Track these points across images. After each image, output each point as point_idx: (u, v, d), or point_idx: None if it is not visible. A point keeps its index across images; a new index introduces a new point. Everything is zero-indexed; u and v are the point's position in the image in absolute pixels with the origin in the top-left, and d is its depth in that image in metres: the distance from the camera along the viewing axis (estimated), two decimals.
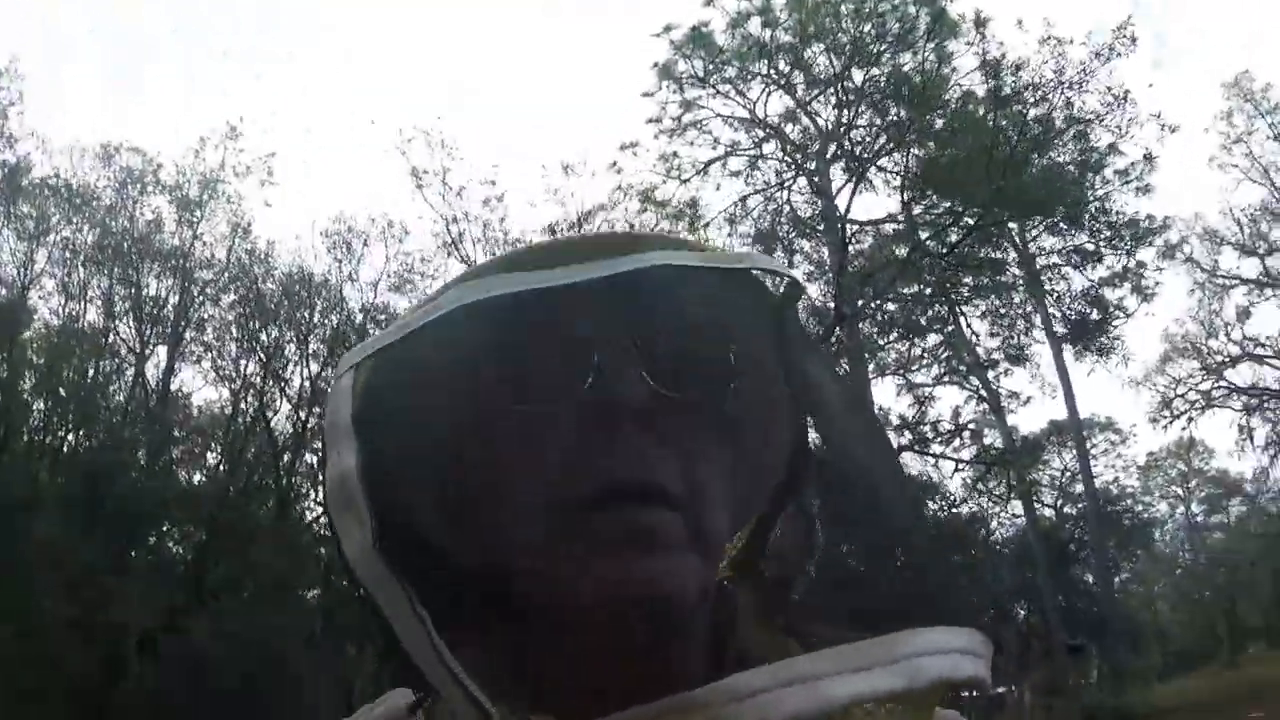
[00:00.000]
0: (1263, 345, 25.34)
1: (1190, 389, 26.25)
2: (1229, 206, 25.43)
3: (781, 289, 0.61)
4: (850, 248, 17.74)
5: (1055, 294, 21.93)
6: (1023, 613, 24.83)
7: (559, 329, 0.53)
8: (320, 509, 19.68)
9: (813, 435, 0.61)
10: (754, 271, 0.60)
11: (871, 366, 19.63)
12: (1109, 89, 17.29)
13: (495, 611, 0.56)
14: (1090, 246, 20.88)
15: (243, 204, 19.39)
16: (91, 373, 17.38)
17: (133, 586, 13.24)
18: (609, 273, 0.51)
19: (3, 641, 11.12)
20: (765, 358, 0.59)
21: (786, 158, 19.67)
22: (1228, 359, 25.97)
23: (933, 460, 21.19)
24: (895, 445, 20.17)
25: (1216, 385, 26.18)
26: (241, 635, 12.41)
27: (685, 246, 0.59)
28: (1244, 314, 25.65)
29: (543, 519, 0.51)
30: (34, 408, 17.16)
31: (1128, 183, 20.04)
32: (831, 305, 16.79)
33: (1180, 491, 39.64)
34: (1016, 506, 24.74)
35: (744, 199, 19.19)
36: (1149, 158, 18.99)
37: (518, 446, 0.53)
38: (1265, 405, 25.60)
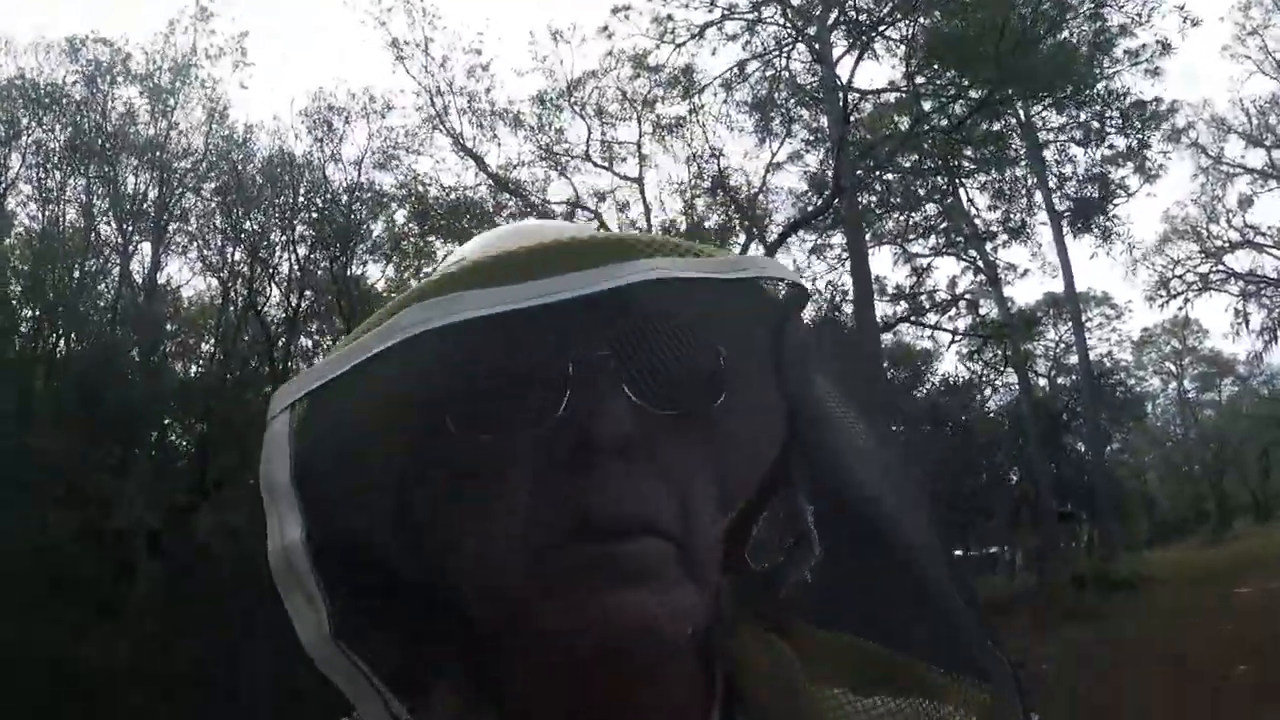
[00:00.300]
0: (1263, 234, 25.61)
1: (1188, 270, 26.48)
2: (1239, 96, 25.35)
3: (784, 294, 0.55)
4: (851, 118, 17.33)
5: (1059, 173, 21.77)
6: (1015, 479, 25.33)
7: (535, 351, 0.48)
8: None
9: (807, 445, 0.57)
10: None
11: (869, 236, 19.44)
12: None
13: (484, 663, 0.53)
14: (1096, 125, 20.62)
15: (218, 88, 18.88)
16: (77, 275, 17.10)
17: (136, 487, 13.23)
18: (592, 290, 0.46)
19: (9, 555, 11.15)
20: (760, 369, 0.55)
21: (786, 23, 18.97)
22: (1227, 244, 26.21)
23: (929, 330, 21.34)
24: (894, 315, 20.28)
25: (1215, 269, 26.43)
26: (246, 525, 12.50)
27: (676, 251, 0.51)
28: (1246, 202, 25.98)
29: (524, 562, 0.48)
30: (21, 315, 16.96)
31: (1137, 64, 19.67)
32: (830, 176, 16.54)
33: (1173, 368, 40.27)
34: (1011, 376, 25.06)
35: (742, 65, 18.62)
36: (1166, 46, 18.50)
37: (492, 487, 0.49)
38: (1262, 291, 25.85)
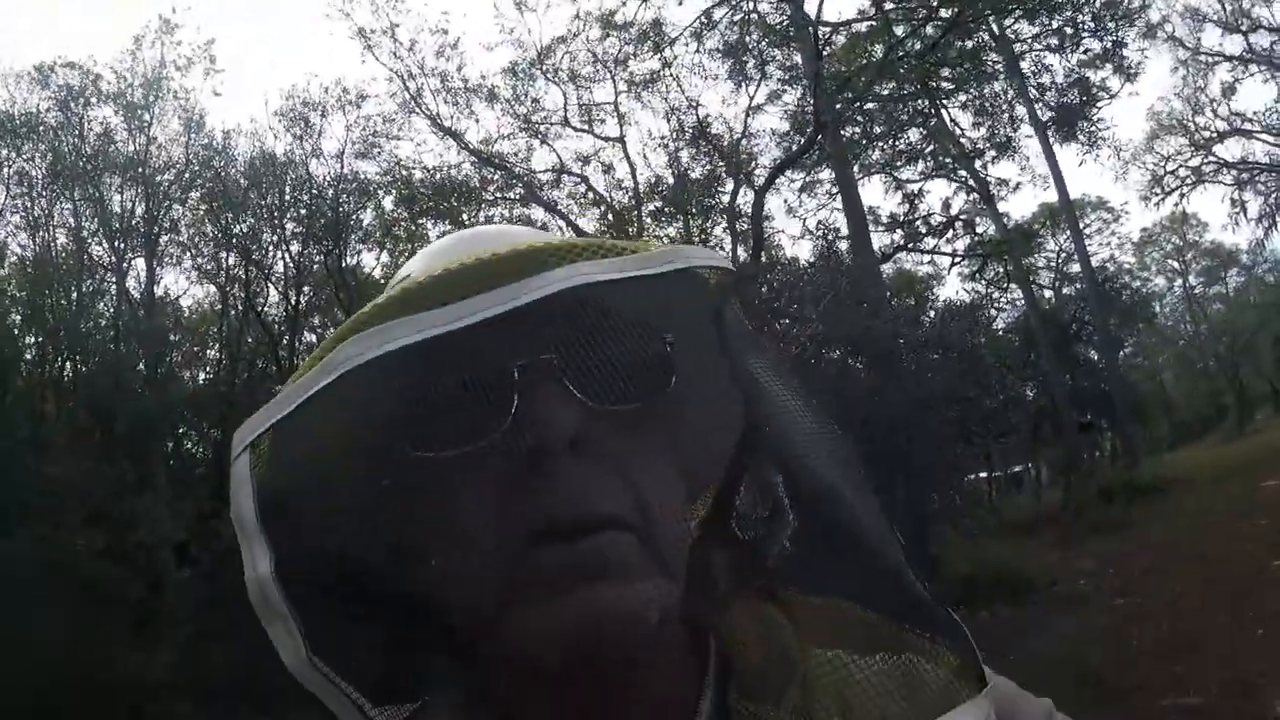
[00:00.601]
0: (1250, 120, 25.17)
1: (1180, 165, 26.20)
2: None
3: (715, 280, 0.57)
4: (824, 52, 17.11)
5: (1038, 83, 21.47)
6: (1030, 394, 25.30)
7: (472, 366, 0.49)
8: None
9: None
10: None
11: (856, 168, 19.30)
12: None
13: (470, 669, 0.55)
14: (1069, 30, 20.27)
15: (191, 98, 18.73)
16: (75, 296, 17.17)
17: (158, 501, 13.35)
18: (508, 306, 0.48)
19: (42, 580, 11.30)
20: (708, 354, 0.57)
21: None
22: (1216, 134, 25.81)
23: (928, 256, 21.25)
24: (891, 244, 20.19)
25: (1206, 161, 26.11)
26: None
27: (599, 254, 0.53)
28: (1229, 90, 25.59)
29: (491, 569, 0.49)
30: (25, 343, 17.04)
31: None
32: (810, 113, 16.38)
33: (1177, 265, 39.97)
34: (1016, 292, 24.93)
35: (708, 12, 18.39)
36: None
37: (451, 499, 0.51)
38: (1256, 178, 25.51)
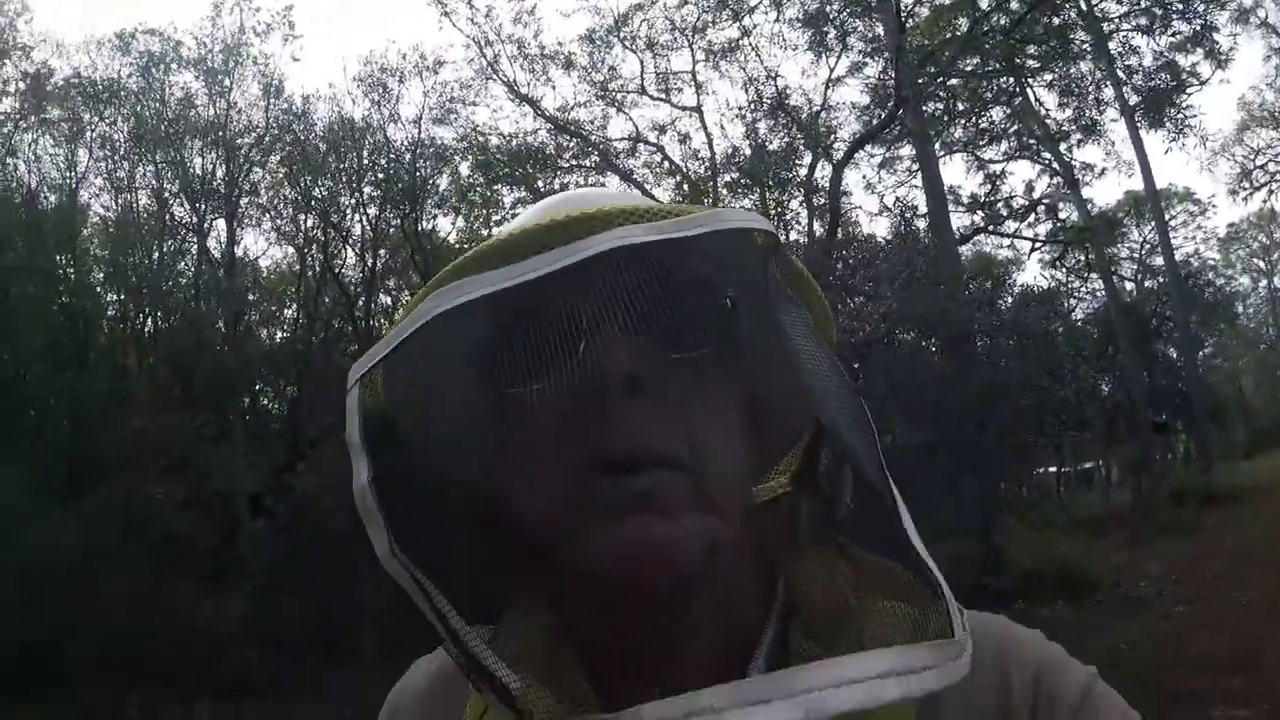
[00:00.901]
0: None
1: (1270, 159, 25.26)
2: None
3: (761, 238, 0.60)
4: (907, 24, 16.77)
5: (1126, 64, 20.79)
6: (1106, 390, 24.65)
7: (539, 317, 0.55)
8: None
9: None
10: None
11: (938, 145, 18.88)
12: None
13: (527, 585, 0.61)
14: (1158, 11, 19.59)
15: (270, 63, 19.05)
16: (156, 256, 17.61)
17: (235, 454, 13.64)
18: (567, 262, 0.54)
19: (120, 529, 11.61)
20: (748, 306, 0.61)
21: None
22: None
23: (1008, 240, 20.75)
24: (970, 226, 19.74)
25: None
26: (343, 479, 12.79)
27: (650, 214, 0.58)
28: None
29: (550, 497, 0.56)
30: (108, 300, 17.50)
31: None
32: (892, 86, 16.07)
33: (1263, 264, 38.68)
34: (1096, 283, 24.27)
35: None
36: None
37: (521, 431, 0.57)
38: None
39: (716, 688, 0.46)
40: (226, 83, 19.02)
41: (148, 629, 10.61)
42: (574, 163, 17.62)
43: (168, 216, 18.45)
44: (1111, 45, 20.63)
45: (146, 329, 17.41)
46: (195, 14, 34.53)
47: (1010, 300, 16.98)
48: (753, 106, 16.70)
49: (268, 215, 18.56)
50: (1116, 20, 20.39)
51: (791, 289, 0.64)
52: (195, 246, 18.32)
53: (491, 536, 0.59)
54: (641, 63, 17.75)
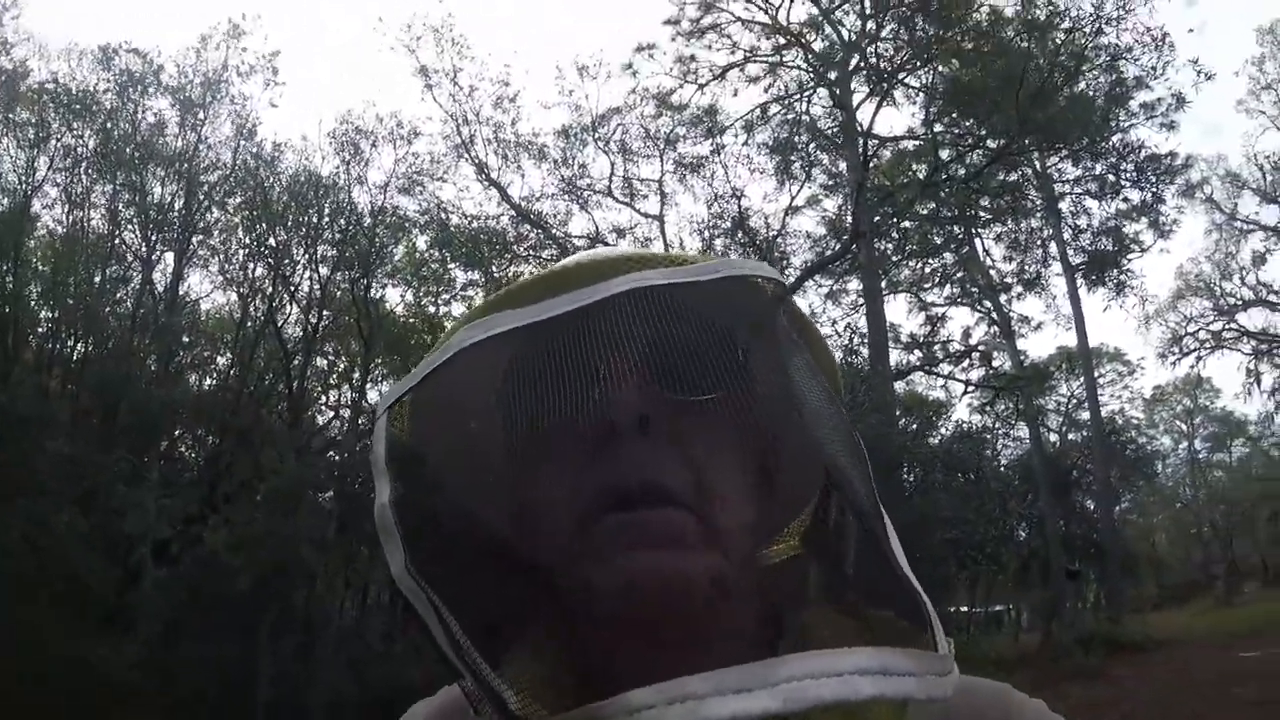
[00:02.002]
0: (1276, 293, 25.43)
1: (1201, 328, 26.34)
2: (1253, 152, 25.33)
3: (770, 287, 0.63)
4: (870, 164, 17.44)
5: (1074, 225, 21.81)
6: (1023, 535, 25.08)
7: (559, 354, 0.57)
8: (331, 412, 19.81)
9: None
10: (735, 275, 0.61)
11: (884, 283, 19.46)
12: (1147, 30, 16.92)
13: (536, 616, 0.61)
14: (1111, 178, 20.68)
15: (247, 105, 19.09)
16: (98, 280, 17.21)
17: (147, 496, 13.25)
18: (588, 301, 0.56)
19: (19, 555, 11.15)
20: (758, 352, 0.62)
21: (808, 67, 19.19)
22: (1240, 302, 26.01)
23: (941, 380, 21.27)
24: (907, 364, 20.23)
25: (1228, 327, 26.27)
26: (255, 540, 12.47)
27: (666, 262, 0.62)
28: (1260, 259, 25.86)
29: (561, 529, 0.57)
30: (41, 317, 17.05)
31: (1152, 117, 19.81)
32: (849, 221, 16.60)
33: (1185, 427, 39.96)
34: (1022, 430, 24.90)
35: (763, 106, 18.81)
36: (1180, 100, 18.65)
37: (537, 464, 0.59)
38: (1274, 351, 25.68)
39: (699, 676, 0.46)
40: (201, 116, 18.99)
41: (30, 667, 10.10)
42: (531, 253, 17.81)
43: (118, 240, 18.12)
44: (1063, 205, 21.66)
45: (76, 353, 16.94)
46: (183, 41, 34.38)
47: (942, 436, 17.33)
48: (713, 222, 17.11)
49: (217, 257, 18.34)
50: (1070, 183, 21.46)
51: (799, 338, 0.65)
52: (140, 276, 17.98)
53: (503, 567, 0.60)
54: (612, 165, 18.12)
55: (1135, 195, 21.12)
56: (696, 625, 0.57)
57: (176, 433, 16.54)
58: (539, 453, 0.59)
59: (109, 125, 17.98)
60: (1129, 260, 22.19)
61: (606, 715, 0.47)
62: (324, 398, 19.71)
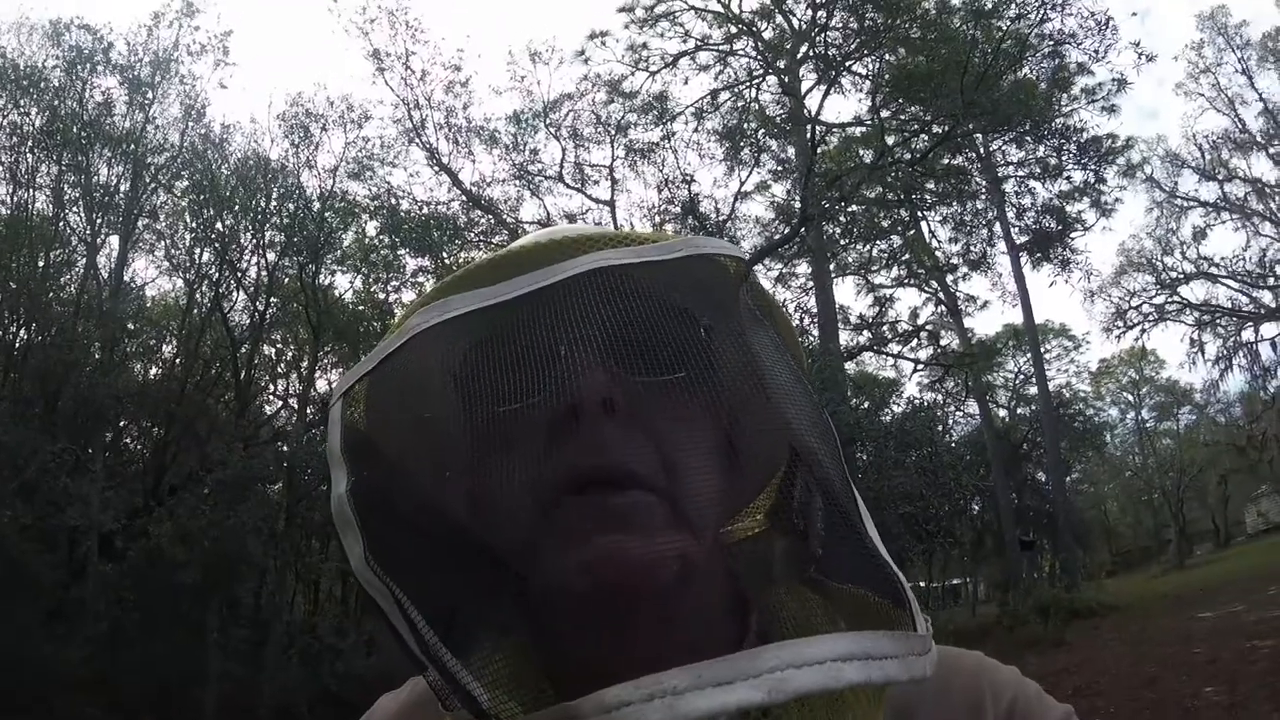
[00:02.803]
0: (1216, 265, 26.01)
1: (1144, 302, 26.86)
2: (1192, 132, 25.98)
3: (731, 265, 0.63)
4: (818, 149, 17.55)
5: (1018, 206, 22.17)
6: (977, 508, 25.58)
7: (519, 337, 0.56)
8: (279, 402, 19.69)
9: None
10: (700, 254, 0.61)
11: (833, 266, 19.69)
12: (1091, 14, 17.10)
13: (501, 604, 0.59)
14: (1054, 160, 21.01)
15: (197, 85, 18.71)
16: (42, 264, 16.91)
17: (91, 487, 13.10)
18: (549, 282, 0.56)
19: None
20: (723, 331, 0.61)
21: (758, 55, 19.24)
22: (1182, 276, 26.55)
23: (891, 359, 21.61)
24: (856, 345, 20.53)
25: (1170, 300, 26.77)
26: (202, 533, 12.40)
27: (626, 241, 0.61)
28: (1200, 235, 26.45)
29: (524, 514, 0.55)
30: None
31: (1094, 101, 20.15)
32: (797, 204, 16.72)
33: (1131, 398, 40.73)
34: (972, 406, 25.35)
35: (714, 94, 18.86)
36: (1122, 83, 18.93)
37: (497, 449, 0.56)
38: (1216, 321, 26.24)
39: (678, 669, 0.45)
40: (150, 96, 18.61)
41: None
42: (482, 239, 17.72)
43: (62, 223, 17.79)
44: (1006, 186, 21.98)
45: (18, 339, 16.66)
46: (133, 18, 33.49)
47: (894, 413, 17.58)
48: (664, 207, 17.17)
49: (164, 242, 18.04)
50: (1014, 165, 21.78)
51: (763, 316, 0.64)
52: (84, 260, 17.71)
53: (466, 555, 0.58)
54: (563, 150, 18.06)
55: (1078, 176, 21.60)
56: (666, 608, 0.56)
57: (121, 423, 16.32)
58: (499, 438, 0.56)
59: (56, 103, 17.57)
60: (1072, 238, 22.69)
61: (583, 714, 0.45)
62: (272, 387, 19.58)
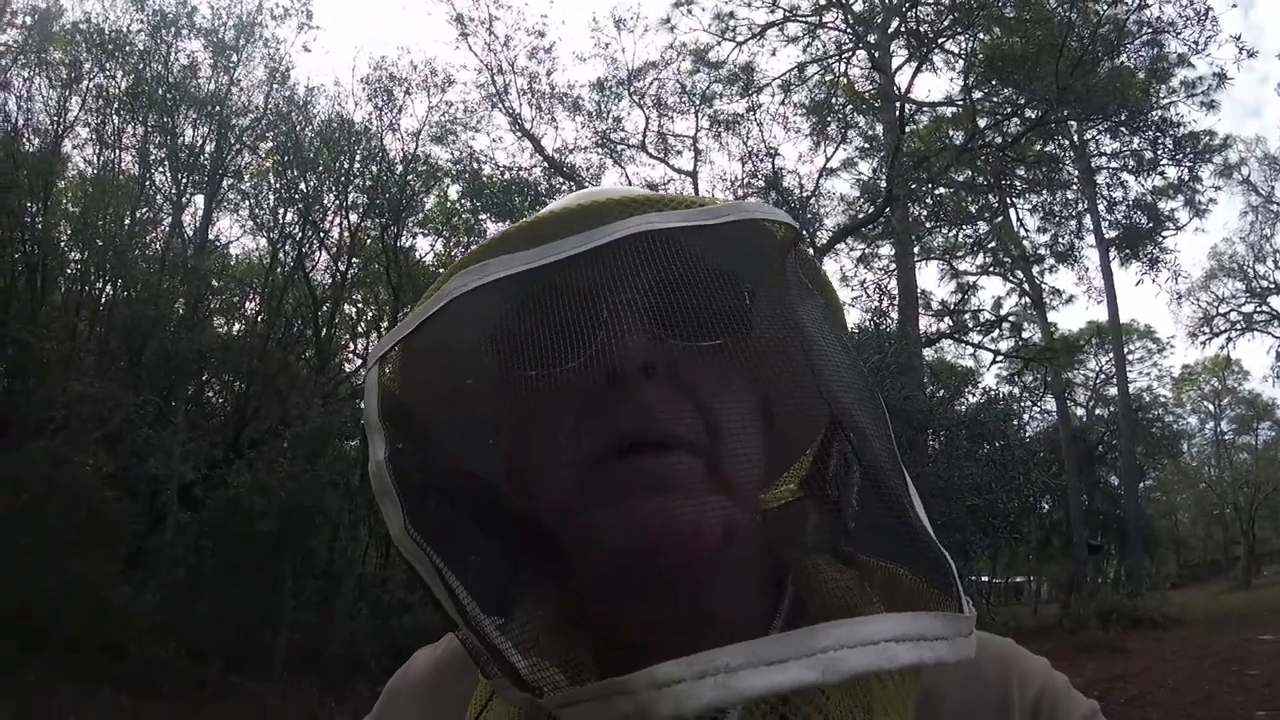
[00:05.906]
0: None
1: (1233, 309, 26.03)
2: None
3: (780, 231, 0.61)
4: (906, 128, 17.17)
5: (1109, 198, 21.51)
6: (1046, 507, 25.04)
7: (560, 300, 0.56)
8: (359, 360, 19.90)
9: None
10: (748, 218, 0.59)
11: (917, 249, 19.29)
12: (1190, 3, 16.50)
13: (541, 570, 0.58)
14: (1149, 154, 20.34)
15: (281, 48, 18.92)
16: (128, 222, 17.21)
17: (172, 439, 13.32)
18: (593, 245, 0.55)
19: (40, 496, 11.24)
20: (768, 297, 0.60)
21: (847, 28, 18.86)
22: (1273, 285, 25.65)
23: (970, 349, 21.15)
24: (936, 331, 20.11)
25: (1259, 309, 25.89)
26: (279, 485, 12.56)
27: (668, 204, 0.59)
28: None
29: (566, 478, 0.55)
30: (70, 258, 17.07)
31: (1193, 95, 19.41)
32: (883, 184, 16.39)
33: (1212, 408, 39.62)
34: (1049, 402, 24.74)
35: (801, 67, 18.53)
36: (1222, 77, 18.22)
37: (538, 413, 0.56)
38: None
39: (731, 646, 0.44)
40: (233, 59, 18.87)
41: (51, 604, 10.25)
42: None
43: (148, 183, 18.11)
44: (1099, 178, 21.32)
45: (105, 294, 17.00)
46: None
47: (969, 403, 17.24)
48: (746, 181, 16.94)
49: (248, 201, 18.30)
50: (1107, 156, 21.11)
51: (810, 284, 0.63)
52: (170, 219, 18.02)
53: (506, 522, 0.58)
54: (646, 119, 17.98)
55: (1172, 172, 20.94)
56: (708, 571, 0.55)
57: (203, 377, 16.62)
58: (541, 402, 0.56)
59: (141, 66, 17.85)
60: (1163, 236, 21.99)
61: (632, 689, 0.45)
62: (351, 346, 19.77)
